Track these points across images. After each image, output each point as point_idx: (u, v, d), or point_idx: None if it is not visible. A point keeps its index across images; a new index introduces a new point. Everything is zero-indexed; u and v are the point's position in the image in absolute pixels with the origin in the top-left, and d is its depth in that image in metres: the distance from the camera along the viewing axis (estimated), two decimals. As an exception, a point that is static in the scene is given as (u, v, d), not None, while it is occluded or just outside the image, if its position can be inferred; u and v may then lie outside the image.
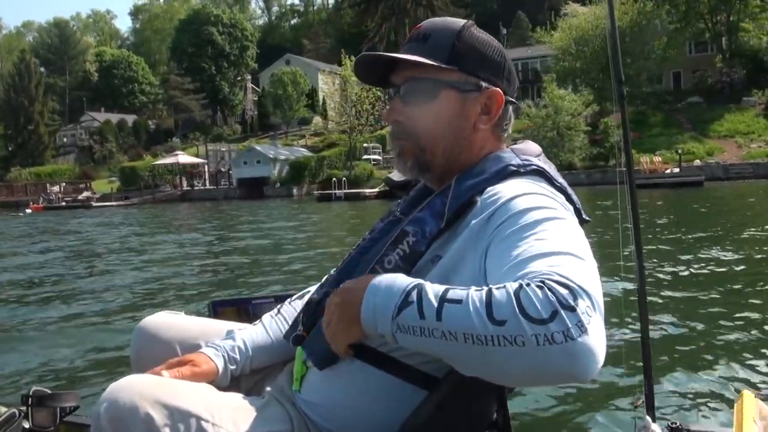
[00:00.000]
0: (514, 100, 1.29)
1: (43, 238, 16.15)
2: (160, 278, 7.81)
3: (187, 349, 1.42)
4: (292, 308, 1.51)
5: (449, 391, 1.08)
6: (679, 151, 33.66)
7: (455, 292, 0.89)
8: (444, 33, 1.22)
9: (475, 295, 0.87)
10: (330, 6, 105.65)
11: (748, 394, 1.57)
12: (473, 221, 1.10)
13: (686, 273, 6.44)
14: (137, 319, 1.76)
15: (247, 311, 1.69)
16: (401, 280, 0.96)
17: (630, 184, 1.95)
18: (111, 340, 4.49)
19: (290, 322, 1.41)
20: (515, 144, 1.29)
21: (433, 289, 0.91)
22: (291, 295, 1.59)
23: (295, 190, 43.00)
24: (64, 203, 41.90)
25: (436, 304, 0.88)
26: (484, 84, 1.22)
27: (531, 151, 1.26)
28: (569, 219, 1.05)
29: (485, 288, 0.88)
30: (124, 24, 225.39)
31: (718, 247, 8.02)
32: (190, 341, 1.45)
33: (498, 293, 0.85)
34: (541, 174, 1.19)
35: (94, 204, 39.71)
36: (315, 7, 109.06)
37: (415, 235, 1.15)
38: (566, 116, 36.37)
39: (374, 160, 47.88)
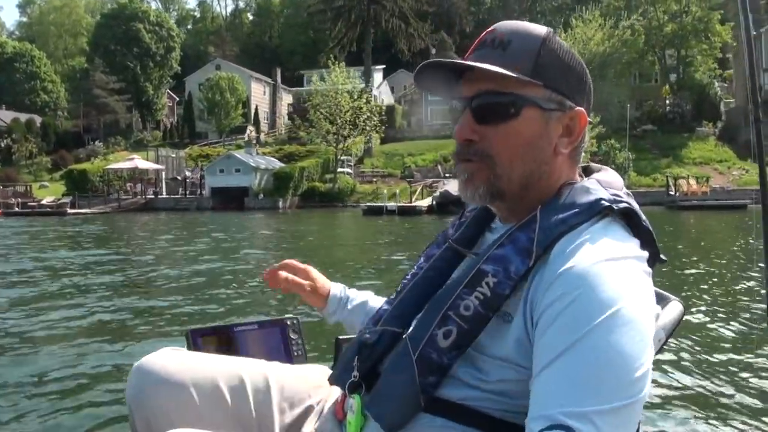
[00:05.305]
0: (591, 120, 1.12)
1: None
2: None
3: (203, 391, 1.24)
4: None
5: None
6: (707, 178, 34.88)
7: None
8: (528, 41, 1.05)
9: None
10: (228, 14, 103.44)
11: None
12: (540, 272, 0.98)
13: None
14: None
15: (228, 339, 1.55)
16: None
17: (764, 206, 2.07)
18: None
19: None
20: (594, 171, 1.13)
21: None
22: (277, 321, 1.58)
23: (280, 202, 40.16)
24: (17, 208, 36.34)
25: None
26: (568, 102, 1.06)
27: (616, 183, 1.10)
28: (633, 314, 0.90)
29: None
30: (10, 17, 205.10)
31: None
32: (207, 381, 1.24)
33: None
34: (629, 215, 1.04)
35: (69, 210, 34.82)
36: (213, 14, 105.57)
37: (496, 275, 1.00)
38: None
39: (347, 172, 46.16)
